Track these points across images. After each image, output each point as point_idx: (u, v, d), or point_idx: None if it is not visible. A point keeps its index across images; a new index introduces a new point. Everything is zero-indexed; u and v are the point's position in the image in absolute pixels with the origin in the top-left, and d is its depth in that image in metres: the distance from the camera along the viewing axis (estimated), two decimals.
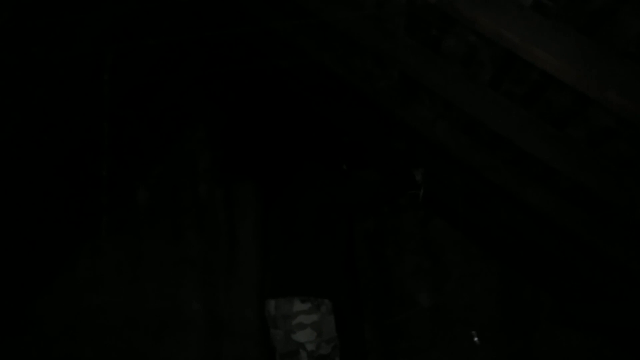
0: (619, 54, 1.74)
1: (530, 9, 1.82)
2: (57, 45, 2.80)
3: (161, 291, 4.54)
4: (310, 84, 4.35)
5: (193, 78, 4.47)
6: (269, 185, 4.61)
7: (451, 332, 4.53)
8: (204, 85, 4.66)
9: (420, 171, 2.86)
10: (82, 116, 3.45)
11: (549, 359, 4.37)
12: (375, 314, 4.62)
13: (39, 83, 2.94)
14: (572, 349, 4.32)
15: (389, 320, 4.60)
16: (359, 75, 3.31)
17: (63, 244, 4.43)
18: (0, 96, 2.79)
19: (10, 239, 3.74)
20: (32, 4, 2.45)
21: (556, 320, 4.40)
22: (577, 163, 2.37)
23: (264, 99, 4.78)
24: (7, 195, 3.45)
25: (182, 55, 4.00)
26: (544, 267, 4.10)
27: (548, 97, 2.25)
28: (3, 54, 2.57)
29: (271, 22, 3.47)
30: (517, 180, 3.00)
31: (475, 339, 4.31)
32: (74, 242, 4.51)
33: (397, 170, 3.02)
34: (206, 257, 4.60)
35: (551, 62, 1.81)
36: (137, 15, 3.10)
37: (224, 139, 4.79)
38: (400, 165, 3.75)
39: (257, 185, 4.69)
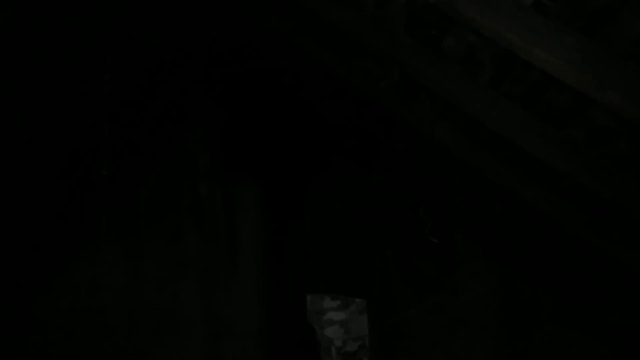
0: (619, 54, 1.74)
1: (530, 9, 1.82)
2: (57, 45, 2.79)
3: (161, 291, 4.54)
4: (310, 84, 4.35)
5: (193, 78, 4.46)
6: (270, 185, 4.61)
7: (451, 332, 4.52)
8: (204, 85, 4.66)
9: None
10: (82, 116, 3.45)
11: (549, 359, 4.37)
12: (375, 314, 4.61)
13: (39, 83, 2.93)
14: (572, 349, 4.32)
15: (389, 320, 4.59)
16: (359, 75, 3.31)
17: (63, 244, 4.43)
18: (0, 96, 2.79)
19: (10, 239, 3.74)
20: (32, 4, 2.45)
21: (556, 320, 4.40)
22: (577, 163, 2.37)
23: (264, 99, 4.78)
24: (7, 196, 3.45)
25: (182, 55, 4.00)
26: (544, 267, 4.10)
27: (548, 97, 2.25)
28: (3, 54, 2.57)
29: (271, 22, 3.47)
30: (517, 180, 3.00)
31: None
32: (74, 243, 4.51)
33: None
34: (206, 257, 4.59)
35: (551, 62, 1.81)
36: (137, 15, 3.10)
37: (224, 139, 4.78)
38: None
39: (257, 185, 4.68)
